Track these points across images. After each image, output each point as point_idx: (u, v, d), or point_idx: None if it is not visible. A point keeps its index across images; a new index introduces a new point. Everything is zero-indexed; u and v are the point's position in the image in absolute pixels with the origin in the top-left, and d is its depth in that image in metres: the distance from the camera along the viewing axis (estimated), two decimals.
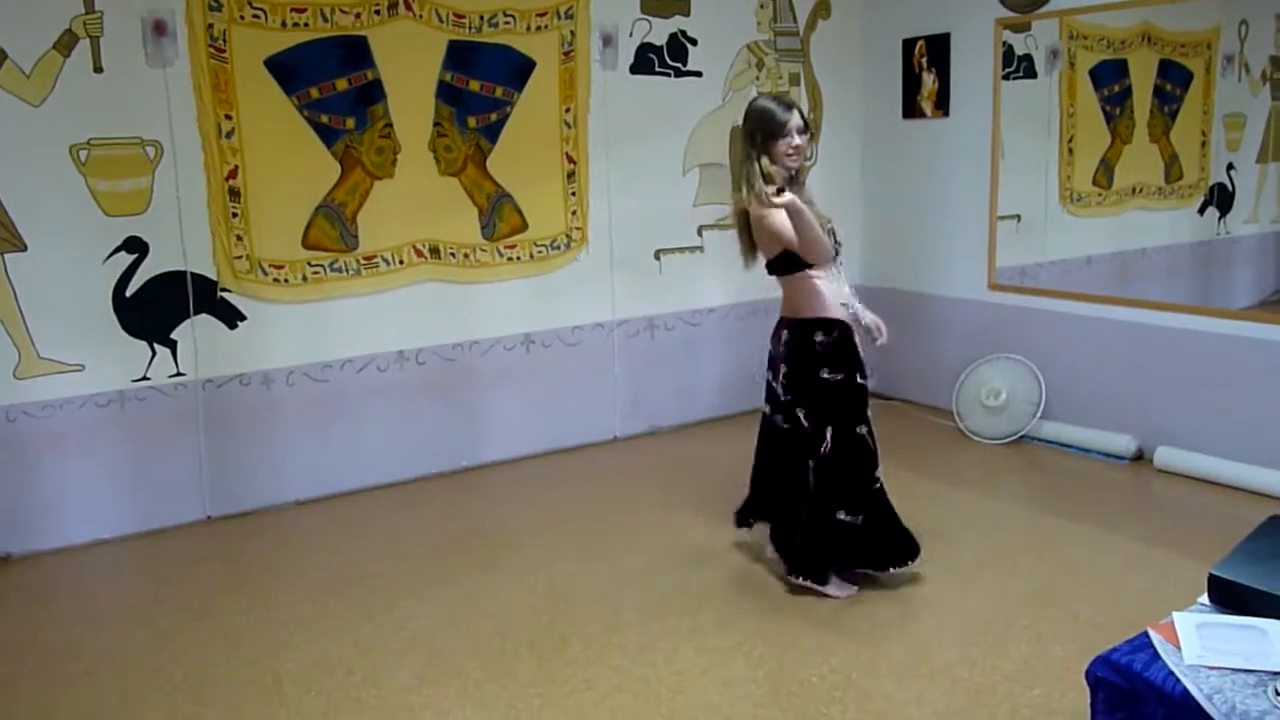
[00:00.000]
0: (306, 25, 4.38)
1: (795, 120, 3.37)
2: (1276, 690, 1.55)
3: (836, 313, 3.46)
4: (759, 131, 3.39)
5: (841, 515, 3.50)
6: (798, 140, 3.37)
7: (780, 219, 3.33)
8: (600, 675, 3.10)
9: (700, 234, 5.61)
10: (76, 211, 4.06)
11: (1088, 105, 5.61)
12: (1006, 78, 5.40)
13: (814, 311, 3.46)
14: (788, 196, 3.18)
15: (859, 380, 3.50)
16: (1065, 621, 3.33)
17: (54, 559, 4.15)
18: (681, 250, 5.55)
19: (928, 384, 5.89)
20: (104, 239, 4.14)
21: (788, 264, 3.45)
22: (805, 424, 3.51)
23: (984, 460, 5.08)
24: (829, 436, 3.46)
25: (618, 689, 3.02)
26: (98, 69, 4.02)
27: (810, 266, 3.42)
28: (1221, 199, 5.87)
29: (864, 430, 3.51)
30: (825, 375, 3.46)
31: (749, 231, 3.51)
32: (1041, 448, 5.17)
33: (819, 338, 3.45)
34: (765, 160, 3.37)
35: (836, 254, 3.50)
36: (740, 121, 3.55)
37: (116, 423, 4.26)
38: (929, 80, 5.65)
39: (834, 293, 3.48)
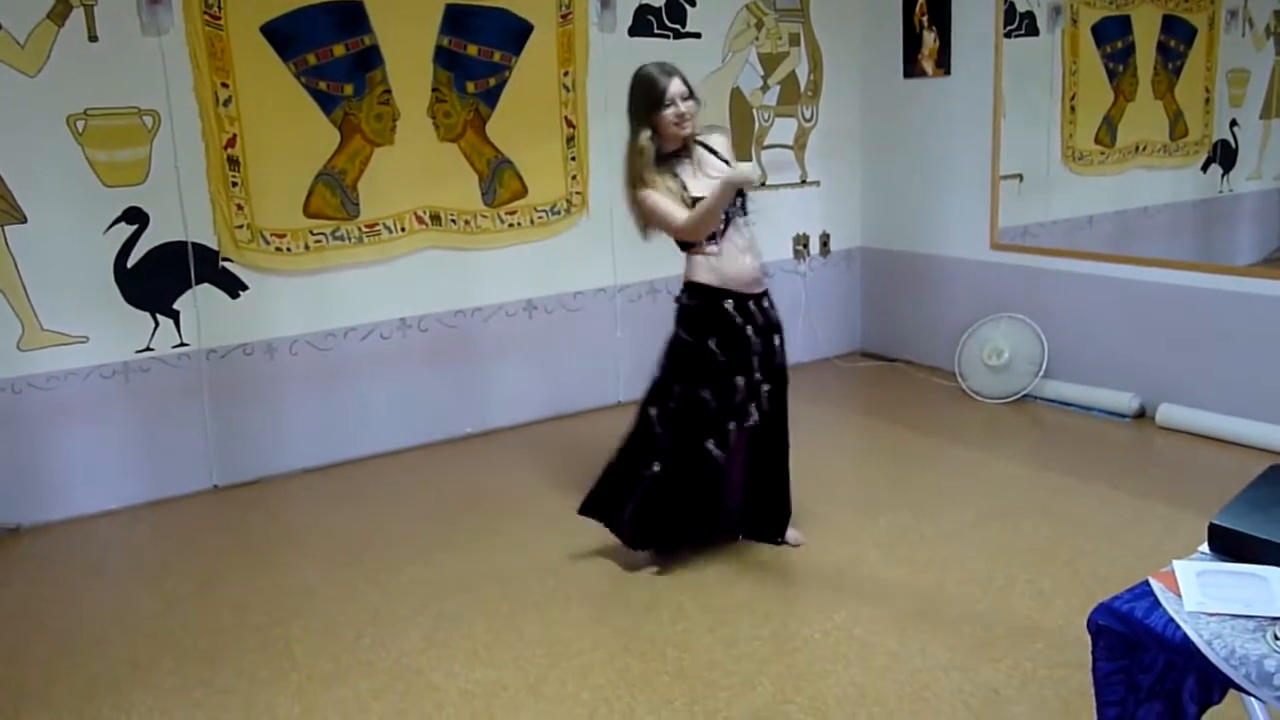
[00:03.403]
0: None
1: (677, 86, 3.22)
2: (1275, 635, 1.56)
3: (711, 279, 3.36)
4: (640, 102, 3.27)
5: (653, 469, 3.47)
6: (682, 107, 3.23)
7: (652, 201, 3.27)
8: (606, 636, 3.13)
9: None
10: (75, 182, 4.05)
11: (1090, 62, 5.58)
12: (1008, 35, 5.35)
13: (689, 275, 3.42)
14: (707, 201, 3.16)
15: (710, 347, 3.38)
16: (1068, 576, 3.36)
17: (63, 529, 4.18)
18: None
19: (930, 344, 5.90)
20: (104, 210, 4.14)
21: (679, 241, 3.42)
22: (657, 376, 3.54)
23: (986, 419, 5.09)
24: (676, 394, 3.45)
25: (624, 649, 3.05)
26: (92, 38, 4.00)
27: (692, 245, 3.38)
28: (1225, 156, 5.85)
29: (707, 394, 3.41)
30: (679, 333, 3.45)
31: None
32: (1044, 406, 5.18)
33: (683, 299, 3.44)
34: (648, 133, 3.26)
35: (735, 210, 3.37)
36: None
37: (122, 393, 4.28)
38: (930, 39, 5.61)
39: (718, 265, 3.35)
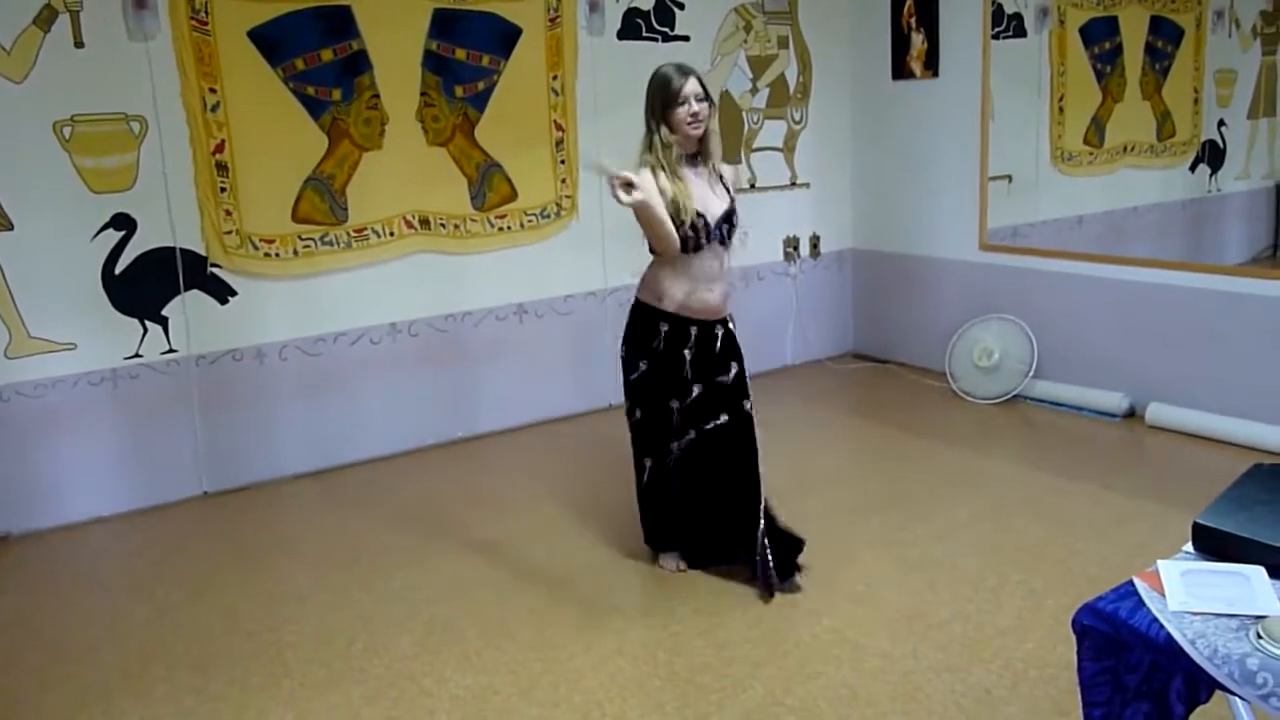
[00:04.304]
0: None
1: (692, 86, 3.21)
2: (1259, 633, 1.57)
3: (664, 303, 3.31)
4: (656, 100, 3.26)
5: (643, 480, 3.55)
6: (696, 107, 3.21)
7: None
8: (598, 639, 3.13)
9: None
10: (62, 189, 4.04)
11: (1078, 63, 5.59)
12: (996, 37, 5.37)
13: (645, 295, 3.38)
14: (637, 197, 3.04)
15: (657, 373, 3.37)
16: (1058, 576, 3.37)
17: (53, 537, 4.17)
18: None
19: (920, 346, 5.91)
20: (91, 216, 4.12)
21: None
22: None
23: (977, 420, 5.10)
24: (637, 414, 3.48)
25: (616, 652, 3.05)
26: (79, 44, 3.99)
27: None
28: (1213, 156, 5.87)
29: (639, 414, 3.45)
30: (624, 353, 3.44)
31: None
32: (1034, 407, 5.19)
33: (634, 319, 3.42)
34: (665, 131, 3.24)
35: (721, 239, 3.33)
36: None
37: (110, 400, 4.26)
38: (918, 40, 5.62)
39: (674, 288, 3.30)
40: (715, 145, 3.38)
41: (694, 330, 3.33)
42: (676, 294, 3.30)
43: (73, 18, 3.97)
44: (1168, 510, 3.81)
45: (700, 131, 3.29)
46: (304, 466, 4.71)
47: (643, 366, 3.39)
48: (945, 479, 4.32)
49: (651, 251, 3.36)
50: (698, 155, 3.35)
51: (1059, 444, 4.66)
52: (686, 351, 3.34)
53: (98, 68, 4.04)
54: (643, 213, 3.13)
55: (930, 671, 2.86)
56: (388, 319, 4.84)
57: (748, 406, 3.42)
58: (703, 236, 3.25)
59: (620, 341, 3.46)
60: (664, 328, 3.33)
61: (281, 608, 3.45)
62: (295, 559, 3.85)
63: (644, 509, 3.62)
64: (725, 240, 3.34)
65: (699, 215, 3.22)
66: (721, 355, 3.39)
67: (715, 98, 5.21)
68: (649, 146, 3.29)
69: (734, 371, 3.41)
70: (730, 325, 3.43)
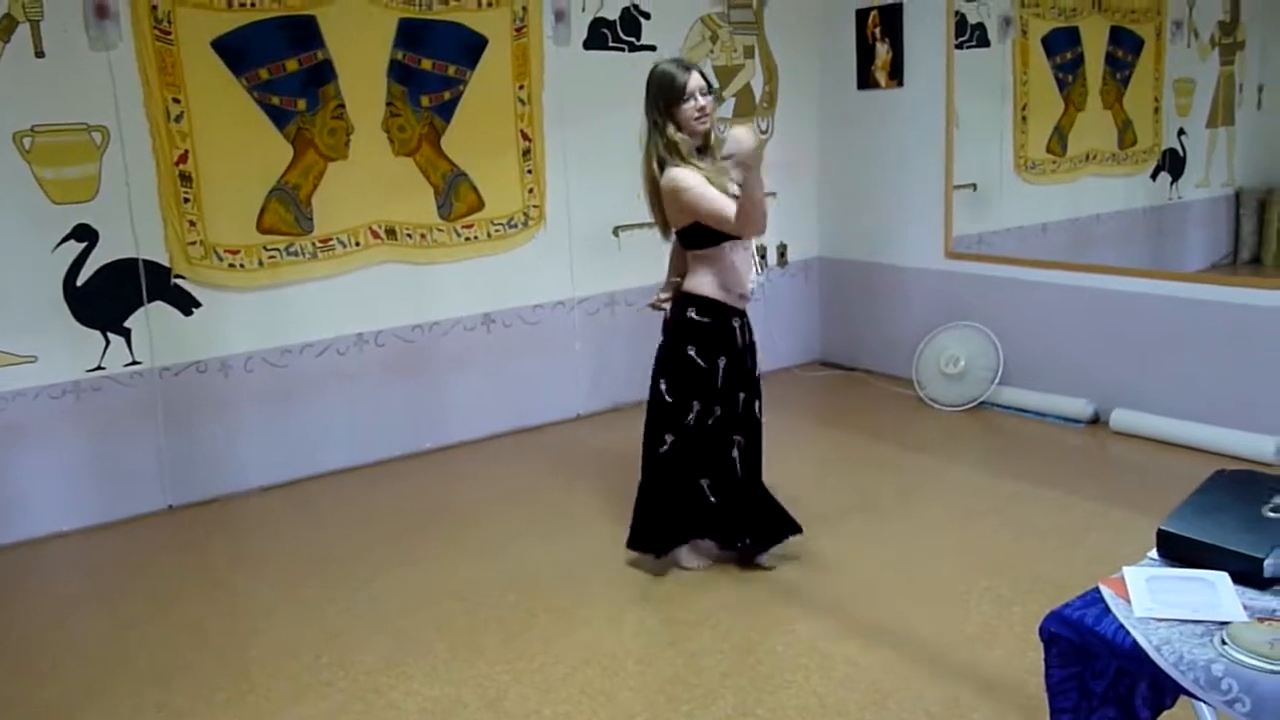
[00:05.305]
0: (254, 5, 4.31)
1: (696, 81, 3.21)
2: (1223, 639, 1.59)
3: (724, 295, 3.35)
4: (661, 98, 3.24)
5: (704, 483, 3.53)
6: (702, 101, 3.21)
7: (697, 193, 3.18)
8: (568, 650, 3.11)
9: None
10: (23, 200, 3.98)
11: (1040, 73, 5.66)
12: (960, 47, 5.42)
13: (698, 289, 3.35)
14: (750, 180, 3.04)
15: (723, 363, 3.39)
16: (1025, 582, 3.39)
17: (13, 553, 4.09)
18: (640, 226, 5.53)
19: (887, 353, 5.94)
20: (52, 227, 4.06)
21: (694, 238, 3.33)
22: (667, 398, 3.45)
23: (944, 427, 5.13)
24: (695, 410, 3.43)
25: (585, 663, 3.04)
26: (39, 54, 3.94)
27: (719, 241, 3.30)
28: (1173, 164, 5.96)
29: (718, 410, 3.45)
30: (692, 353, 3.38)
31: (661, 203, 3.36)
32: (1000, 413, 5.23)
33: (692, 314, 3.37)
34: (672, 129, 3.24)
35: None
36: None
37: (72, 413, 4.20)
38: (882, 50, 5.67)
39: (725, 276, 3.34)
40: (718, 137, 3.35)
41: (746, 320, 3.46)
42: (746, 278, 3.36)
43: (33, 27, 3.91)
44: (1133, 516, 3.84)
45: (707, 126, 3.29)
46: (270, 479, 4.66)
47: (722, 364, 3.39)
48: (912, 486, 4.35)
49: (694, 247, 3.35)
50: (704, 148, 3.34)
51: (1025, 450, 4.70)
52: (752, 336, 3.47)
53: (59, 78, 3.98)
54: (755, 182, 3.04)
55: (899, 679, 2.87)
56: (354, 329, 4.80)
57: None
58: None
59: (679, 348, 3.40)
60: (736, 322, 3.40)
61: (247, 621, 3.41)
62: (261, 572, 3.80)
63: (752, 501, 3.59)
64: None
65: None
66: (753, 343, 3.54)
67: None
68: (667, 147, 3.24)
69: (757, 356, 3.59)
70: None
